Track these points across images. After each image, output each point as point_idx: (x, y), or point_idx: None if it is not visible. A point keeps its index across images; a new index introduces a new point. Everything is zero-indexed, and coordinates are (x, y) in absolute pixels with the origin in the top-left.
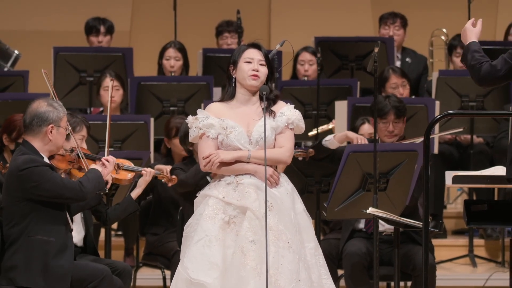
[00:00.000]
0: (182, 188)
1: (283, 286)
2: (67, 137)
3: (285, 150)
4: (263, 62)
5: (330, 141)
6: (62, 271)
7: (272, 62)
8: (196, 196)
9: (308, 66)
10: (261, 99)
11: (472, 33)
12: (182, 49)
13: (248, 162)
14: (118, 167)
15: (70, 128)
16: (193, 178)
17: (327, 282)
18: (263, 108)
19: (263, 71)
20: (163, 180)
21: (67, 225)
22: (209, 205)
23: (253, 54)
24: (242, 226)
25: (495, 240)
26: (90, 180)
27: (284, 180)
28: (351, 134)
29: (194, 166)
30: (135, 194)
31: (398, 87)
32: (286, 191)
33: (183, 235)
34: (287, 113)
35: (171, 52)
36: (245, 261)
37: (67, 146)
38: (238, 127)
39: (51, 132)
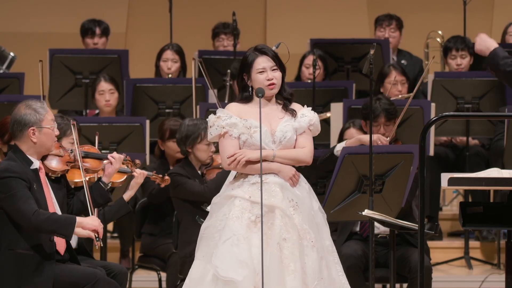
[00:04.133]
0: (195, 198)
1: (307, 285)
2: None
3: (308, 150)
4: (275, 67)
5: None
6: (44, 284)
7: (281, 61)
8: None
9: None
10: (278, 98)
11: (490, 39)
12: (179, 52)
13: (272, 161)
14: (134, 164)
15: (55, 125)
16: (213, 193)
17: (343, 279)
18: (282, 107)
19: (278, 76)
20: (156, 181)
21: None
22: (236, 205)
23: (264, 63)
24: (275, 223)
25: (491, 242)
26: (51, 217)
27: (302, 180)
28: (365, 138)
29: (214, 180)
30: (127, 196)
31: (397, 83)
32: (305, 190)
33: (199, 235)
34: (308, 115)
35: (168, 54)
36: (280, 259)
37: (70, 146)
38: (262, 126)
39: (33, 134)
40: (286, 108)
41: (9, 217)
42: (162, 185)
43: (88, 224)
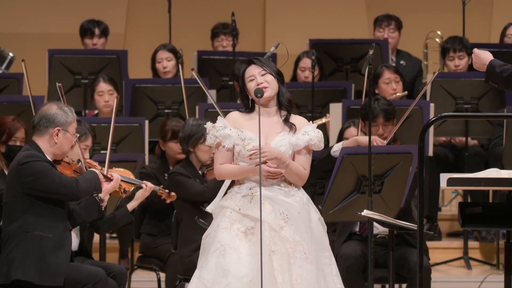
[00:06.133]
0: (195, 198)
1: None
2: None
3: (307, 173)
4: (264, 72)
5: (339, 151)
6: (58, 268)
7: (275, 66)
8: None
9: (309, 73)
10: (279, 108)
11: (484, 53)
12: (172, 50)
13: (286, 166)
14: (124, 191)
15: (77, 135)
16: (212, 192)
17: None
18: (283, 120)
19: (269, 79)
20: (162, 197)
21: (66, 223)
22: (226, 216)
23: (252, 71)
24: (264, 235)
25: (490, 242)
26: (87, 180)
27: (300, 191)
28: (361, 139)
29: (214, 180)
30: (131, 206)
31: (391, 82)
32: (301, 201)
33: (201, 246)
34: (311, 134)
35: (161, 54)
36: (272, 269)
37: (75, 156)
38: (257, 139)
39: (57, 135)
40: (286, 121)
41: (42, 195)
42: (168, 201)
43: (111, 189)
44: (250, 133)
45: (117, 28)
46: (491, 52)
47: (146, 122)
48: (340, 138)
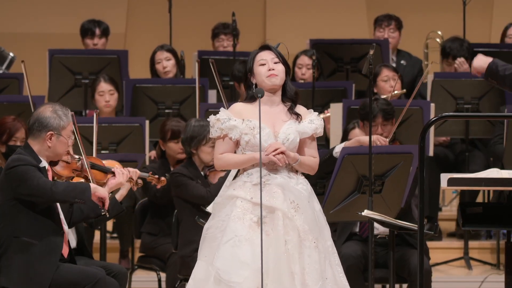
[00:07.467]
0: (197, 201)
1: (310, 286)
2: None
3: (317, 160)
4: (277, 60)
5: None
6: (42, 275)
7: (284, 58)
8: None
9: (306, 70)
10: (283, 99)
11: (485, 57)
12: (170, 50)
13: (296, 161)
14: (136, 183)
15: (73, 138)
16: (215, 196)
17: (343, 280)
18: (288, 110)
19: (280, 68)
20: (152, 183)
21: (56, 228)
22: (237, 206)
23: (265, 56)
24: (277, 225)
25: (477, 240)
26: (69, 186)
27: (305, 181)
28: (364, 139)
29: (217, 184)
30: (119, 195)
31: (389, 79)
32: (307, 190)
33: (202, 236)
34: (316, 122)
35: (159, 55)
36: (287, 260)
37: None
38: (265, 127)
39: (50, 139)
40: (291, 111)
41: (28, 200)
42: (158, 186)
43: (99, 192)
44: (258, 122)
45: (117, 28)
46: (491, 52)
47: (147, 122)
48: (345, 139)
